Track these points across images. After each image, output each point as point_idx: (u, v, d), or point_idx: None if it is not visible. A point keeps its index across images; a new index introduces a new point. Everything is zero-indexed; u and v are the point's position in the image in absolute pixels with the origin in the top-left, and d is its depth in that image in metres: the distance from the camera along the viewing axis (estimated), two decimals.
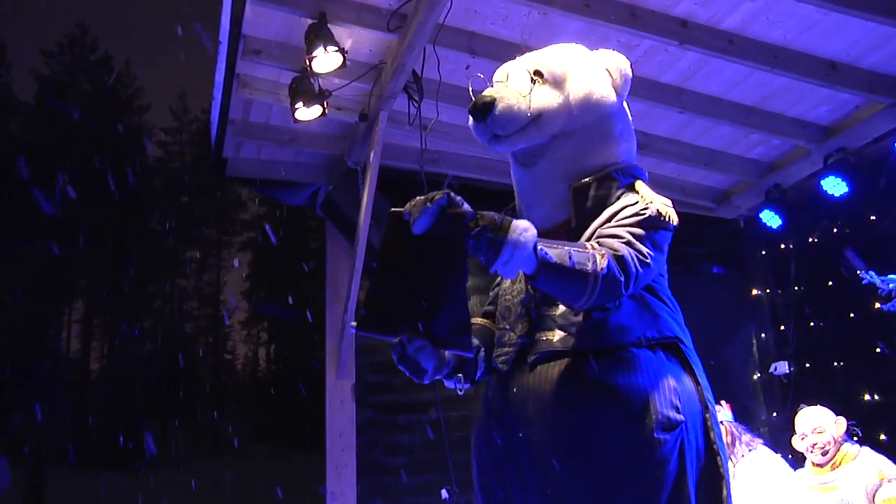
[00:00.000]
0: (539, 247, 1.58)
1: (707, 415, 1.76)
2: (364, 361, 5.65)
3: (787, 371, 5.66)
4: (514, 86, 2.00)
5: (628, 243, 1.73)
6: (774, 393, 5.82)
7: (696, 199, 6.11)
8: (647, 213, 1.81)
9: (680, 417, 1.70)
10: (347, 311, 5.31)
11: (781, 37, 4.27)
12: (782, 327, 5.81)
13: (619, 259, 1.68)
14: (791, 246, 5.75)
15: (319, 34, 3.90)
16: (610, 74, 2.03)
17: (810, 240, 5.59)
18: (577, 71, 2.02)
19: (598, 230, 1.80)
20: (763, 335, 6.02)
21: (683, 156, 5.47)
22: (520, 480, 1.82)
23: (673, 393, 1.72)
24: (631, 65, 2.08)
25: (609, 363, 1.74)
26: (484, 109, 1.93)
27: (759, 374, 5.97)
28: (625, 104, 2.11)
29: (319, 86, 4.31)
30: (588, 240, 1.80)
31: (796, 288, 5.73)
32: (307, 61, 3.98)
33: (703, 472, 1.71)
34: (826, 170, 5.07)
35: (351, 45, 4.23)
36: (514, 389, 1.85)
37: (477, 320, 2.12)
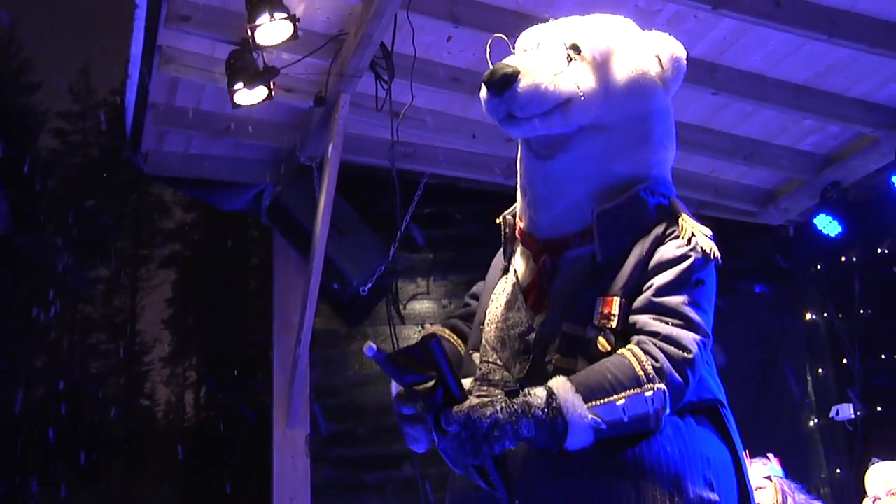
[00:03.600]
0: (590, 417, 1.69)
1: (744, 488, 1.84)
2: (321, 406, 5.66)
3: (853, 416, 5.71)
4: (544, 59, 2.01)
5: (692, 327, 1.82)
6: (837, 443, 5.87)
7: (733, 202, 6.16)
8: (692, 258, 1.88)
9: (714, 497, 1.77)
10: (300, 342, 5.31)
11: None
12: (845, 360, 5.87)
13: (685, 363, 1.78)
14: (854, 258, 5.81)
15: None
16: (660, 63, 2.07)
17: (879, 251, 5.67)
18: (623, 52, 2.04)
19: (650, 298, 1.85)
20: (820, 370, 6.08)
21: (717, 147, 5.49)
22: None
23: (707, 466, 1.78)
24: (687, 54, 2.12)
25: None
26: (503, 83, 1.93)
27: (816, 420, 6.01)
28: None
29: (264, 62, 4.33)
30: (625, 291, 1.87)
31: (861, 311, 5.79)
32: (249, 31, 3.99)
33: None
34: None
35: (304, 10, 4.26)
36: None
37: (444, 331, 2.22)
